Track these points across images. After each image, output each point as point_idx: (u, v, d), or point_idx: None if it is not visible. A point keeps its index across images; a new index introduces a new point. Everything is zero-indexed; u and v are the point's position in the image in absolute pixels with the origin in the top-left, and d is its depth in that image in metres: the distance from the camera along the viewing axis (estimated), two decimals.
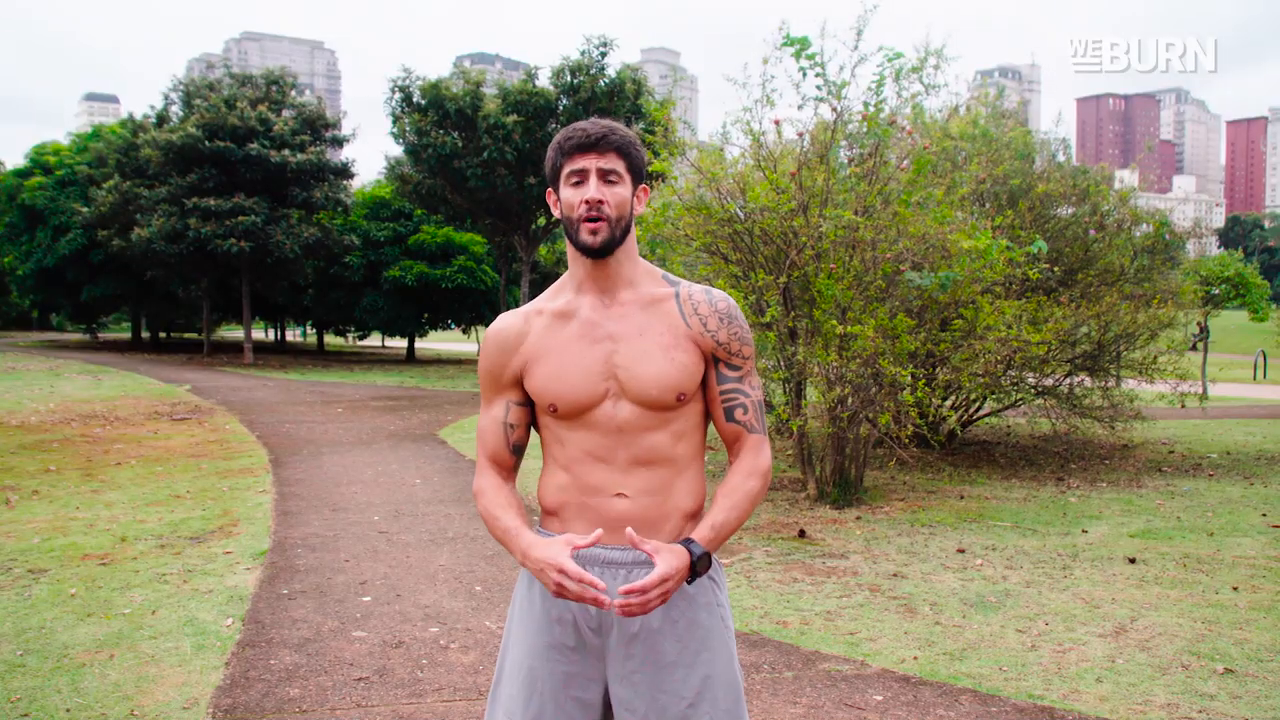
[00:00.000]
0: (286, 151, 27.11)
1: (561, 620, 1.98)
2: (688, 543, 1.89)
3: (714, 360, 2.02)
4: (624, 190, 1.94)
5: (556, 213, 1.99)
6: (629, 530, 1.81)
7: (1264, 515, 7.54)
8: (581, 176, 1.93)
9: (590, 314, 2.00)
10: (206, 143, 26.40)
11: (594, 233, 1.92)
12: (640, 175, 1.99)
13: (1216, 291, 18.56)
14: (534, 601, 2.02)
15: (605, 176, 1.92)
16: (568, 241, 1.99)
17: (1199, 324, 19.92)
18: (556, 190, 1.98)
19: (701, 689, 1.95)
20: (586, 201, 1.91)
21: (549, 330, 2.01)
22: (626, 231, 1.96)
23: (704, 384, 2.03)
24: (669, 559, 1.81)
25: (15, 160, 44.47)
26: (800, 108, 9.71)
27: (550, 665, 1.98)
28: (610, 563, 1.97)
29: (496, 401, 2.07)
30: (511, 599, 2.11)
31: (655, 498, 1.97)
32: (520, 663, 2.01)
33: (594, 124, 1.94)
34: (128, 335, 48.61)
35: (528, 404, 2.06)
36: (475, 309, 32.87)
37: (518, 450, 2.08)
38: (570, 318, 2.01)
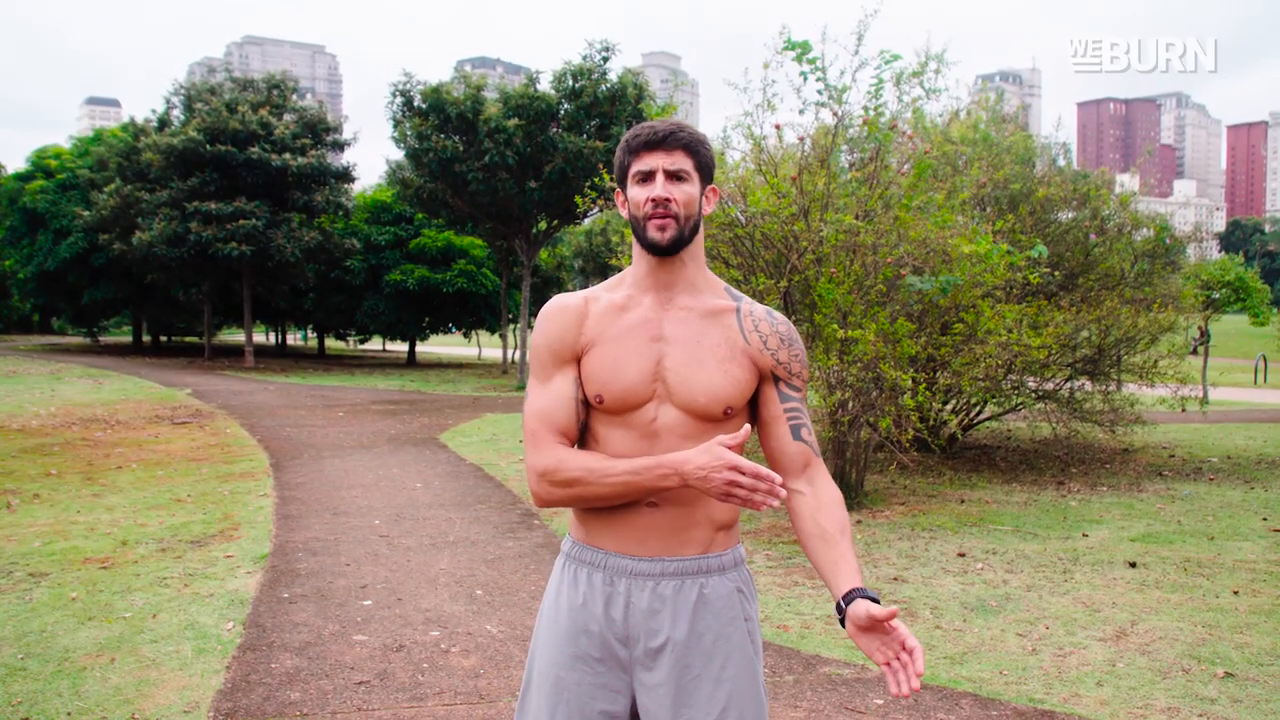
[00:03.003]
0: (287, 155, 27.14)
1: (587, 631, 1.95)
2: (863, 593, 1.80)
3: (774, 379, 1.98)
4: (692, 189, 1.90)
5: (624, 212, 1.96)
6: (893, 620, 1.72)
7: (1264, 519, 7.54)
8: (648, 175, 1.90)
9: (649, 312, 1.96)
10: (207, 146, 26.44)
11: (661, 229, 1.88)
12: (709, 174, 1.95)
13: (1217, 296, 18.54)
14: (560, 611, 1.99)
15: (673, 175, 1.89)
16: (634, 239, 1.96)
17: (1199, 328, 19.92)
18: (624, 189, 1.95)
19: (727, 705, 1.91)
20: (653, 199, 1.87)
21: (607, 318, 1.96)
22: (695, 230, 1.93)
23: (755, 403, 2.00)
24: (912, 640, 1.74)
25: (16, 164, 44.55)
26: (801, 112, 9.75)
27: (576, 675, 1.95)
28: (638, 574, 1.93)
29: (560, 378, 1.96)
30: (540, 610, 2.08)
31: (686, 508, 1.93)
32: (546, 673, 1.98)
33: (663, 123, 1.91)
34: (129, 339, 48.66)
35: None
36: (476, 313, 32.89)
37: (581, 430, 1.98)
38: (628, 312, 1.96)
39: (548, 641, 2.00)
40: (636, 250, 1.98)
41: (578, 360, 1.97)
